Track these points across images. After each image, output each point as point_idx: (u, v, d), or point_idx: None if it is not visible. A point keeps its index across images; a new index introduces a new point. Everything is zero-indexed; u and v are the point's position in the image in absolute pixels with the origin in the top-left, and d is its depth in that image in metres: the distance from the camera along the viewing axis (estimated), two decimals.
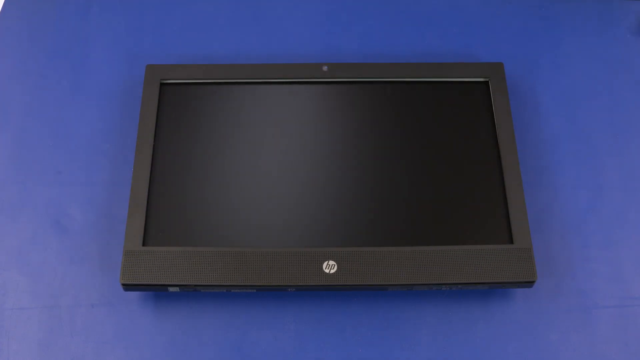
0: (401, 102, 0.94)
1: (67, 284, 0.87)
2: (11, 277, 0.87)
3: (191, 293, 0.85)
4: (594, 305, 0.86)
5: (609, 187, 0.94)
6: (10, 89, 1.00)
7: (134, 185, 0.87)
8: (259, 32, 1.05)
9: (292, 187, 0.88)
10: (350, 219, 0.81)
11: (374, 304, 0.86)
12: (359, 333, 0.84)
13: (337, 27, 1.06)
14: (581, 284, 0.87)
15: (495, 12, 1.07)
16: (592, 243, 0.90)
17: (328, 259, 0.82)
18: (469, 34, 1.05)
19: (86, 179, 0.93)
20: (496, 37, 1.05)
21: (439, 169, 0.89)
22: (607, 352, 0.84)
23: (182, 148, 0.90)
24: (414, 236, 0.84)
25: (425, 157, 0.90)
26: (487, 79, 0.95)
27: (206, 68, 0.96)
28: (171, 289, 0.83)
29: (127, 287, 0.83)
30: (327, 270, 0.82)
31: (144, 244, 0.84)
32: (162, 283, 0.82)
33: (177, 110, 0.93)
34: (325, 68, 0.96)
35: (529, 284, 0.83)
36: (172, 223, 0.86)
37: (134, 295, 0.86)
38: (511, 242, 0.84)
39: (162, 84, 0.94)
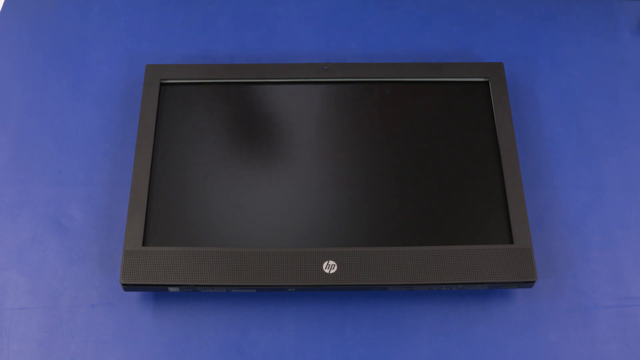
0: (401, 102, 0.94)
1: (67, 284, 0.87)
2: (11, 277, 0.87)
3: (191, 293, 0.85)
4: (594, 305, 0.86)
5: (609, 187, 0.94)
6: (10, 89, 1.00)
7: (134, 185, 0.87)
8: (259, 32, 1.05)
9: (292, 187, 0.88)
10: (350, 218, 0.81)
11: (374, 304, 0.86)
12: (359, 333, 0.84)
13: (337, 27, 1.06)
14: (581, 284, 0.87)
15: (495, 12, 1.07)
16: (592, 243, 0.90)
17: (328, 259, 0.82)
18: (469, 34, 1.05)
19: (86, 179, 0.93)
20: (496, 37, 1.05)
21: (439, 169, 0.89)
22: (607, 352, 0.84)
23: (182, 148, 0.90)
24: (414, 236, 0.84)
25: (425, 156, 0.90)
26: (487, 79, 0.95)
27: (206, 68, 0.96)
28: (171, 289, 0.83)
29: (127, 287, 0.83)
30: (327, 270, 0.82)
31: (144, 244, 0.84)
32: (162, 283, 0.82)
33: (177, 110, 0.93)
34: (326, 68, 0.96)
35: (529, 284, 0.83)
36: (172, 223, 0.86)
37: (134, 295, 0.86)
38: (511, 242, 0.84)
39: (162, 84, 0.94)
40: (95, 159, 0.95)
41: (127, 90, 0.99)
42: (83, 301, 0.86)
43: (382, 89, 0.95)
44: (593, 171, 0.95)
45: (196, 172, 0.88)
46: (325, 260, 0.82)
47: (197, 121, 0.92)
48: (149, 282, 0.82)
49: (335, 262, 0.82)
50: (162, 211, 0.86)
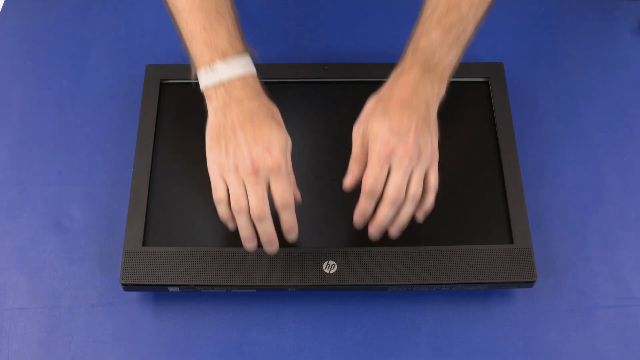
0: None
1: (67, 284, 0.87)
2: (11, 277, 0.87)
3: (191, 293, 0.85)
4: (594, 305, 0.86)
5: (609, 187, 0.94)
6: (10, 89, 1.00)
7: (134, 185, 0.87)
8: (259, 31, 1.05)
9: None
10: (350, 219, 0.81)
11: (374, 304, 0.86)
12: (359, 333, 0.84)
13: (337, 27, 1.06)
14: (581, 284, 0.87)
15: (495, 12, 1.07)
16: (592, 243, 0.90)
17: (328, 259, 0.82)
18: None
19: (86, 179, 0.93)
20: (496, 37, 1.05)
21: (439, 169, 0.89)
22: (607, 352, 0.84)
23: (182, 148, 0.90)
24: (414, 236, 0.84)
25: None
26: (487, 79, 0.95)
27: None
28: (171, 289, 0.83)
29: (127, 287, 0.83)
30: (327, 270, 0.82)
31: (144, 244, 0.84)
32: (162, 283, 0.82)
33: (177, 110, 0.93)
34: (326, 68, 0.96)
35: (529, 284, 0.83)
36: (172, 223, 0.86)
37: (133, 295, 0.86)
38: (511, 242, 0.84)
39: (162, 84, 0.94)
40: (95, 159, 0.95)
41: (127, 90, 0.99)
42: (83, 301, 0.86)
43: None
44: (593, 171, 0.95)
45: (196, 172, 0.88)
46: (325, 260, 0.82)
47: (197, 121, 0.92)
48: (149, 282, 0.82)
49: (335, 262, 0.82)
50: (162, 211, 0.86)
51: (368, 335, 0.84)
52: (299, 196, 0.78)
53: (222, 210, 0.77)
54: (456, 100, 0.94)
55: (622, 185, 0.94)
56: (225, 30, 0.75)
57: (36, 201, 0.92)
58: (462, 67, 0.96)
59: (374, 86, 0.95)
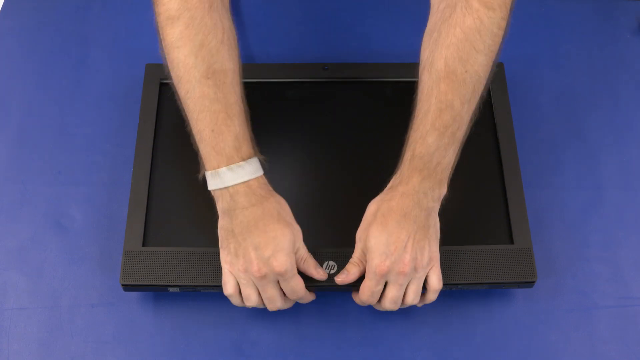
0: (401, 102, 0.94)
1: (67, 284, 0.87)
2: (11, 277, 0.87)
3: (191, 293, 0.85)
4: (594, 305, 0.86)
5: (609, 187, 0.94)
6: (10, 88, 1.00)
7: (133, 185, 0.87)
8: (259, 31, 1.05)
9: (292, 187, 0.88)
10: (350, 219, 0.81)
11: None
12: (359, 333, 0.84)
13: (337, 27, 1.06)
14: (581, 284, 0.87)
15: None
16: (592, 243, 0.90)
17: (328, 260, 0.82)
18: None
19: (86, 179, 0.93)
20: None
21: None
22: (607, 352, 0.84)
23: (182, 148, 0.90)
24: None
25: None
26: None
27: None
28: (171, 289, 0.83)
29: (127, 287, 0.82)
30: (327, 271, 0.82)
31: (144, 245, 0.84)
32: (162, 284, 0.82)
33: (177, 110, 0.93)
34: (326, 68, 0.96)
35: (529, 284, 0.83)
36: (172, 223, 0.86)
37: (133, 295, 0.86)
38: (511, 242, 0.84)
39: (162, 84, 0.94)
40: (95, 159, 0.94)
41: (127, 90, 0.99)
42: (83, 301, 0.86)
43: (382, 89, 0.95)
44: (593, 171, 0.95)
45: (196, 173, 0.88)
46: (325, 261, 0.82)
47: None
48: (149, 283, 0.82)
49: (335, 262, 0.82)
50: (162, 211, 0.86)
51: (368, 335, 0.84)
52: (323, 275, 0.80)
53: (234, 302, 0.80)
54: None
55: (622, 185, 0.94)
56: (232, 135, 0.75)
57: (36, 201, 0.92)
58: None
59: (374, 86, 0.95)
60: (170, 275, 0.82)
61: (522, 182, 0.88)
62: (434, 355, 0.83)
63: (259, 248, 0.75)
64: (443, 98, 0.75)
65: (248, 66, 0.96)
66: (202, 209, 0.86)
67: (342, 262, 0.82)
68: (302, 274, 0.79)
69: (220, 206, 0.78)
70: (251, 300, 0.78)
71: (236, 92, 0.77)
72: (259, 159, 0.78)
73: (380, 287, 0.77)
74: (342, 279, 0.79)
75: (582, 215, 0.92)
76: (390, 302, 0.78)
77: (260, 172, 0.77)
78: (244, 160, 0.75)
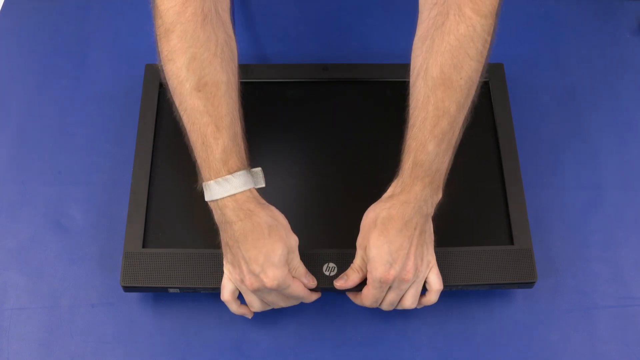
0: (401, 102, 0.94)
1: (67, 284, 0.87)
2: (11, 277, 0.87)
3: (191, 294, 0.85)
4: (594, 305, 0.86)
5: (609, 187, 0.94)
6: (10, 89, 1.00)
7: (133, 185, 0.87)
8: (259, 32, 1.05)
9: (292, 189, 0.88)
10: (351, 220, 0.81)
11: None
12: (359, 333, 0.84)
13: (337, 27, 1.06)
14: (581, 284, 0.87)
15: None
16: (592, 243, 0.90)
17: (328, 262, 0.82)
18: None
19: (86, 179, 0.93)
20: (496, 37, 1.05)
21: None
22: (607, 352, 0.84)
23: (182, 148, 0.90)
24: None
25: None
26: (487, 79, 0.95)
27: None
28: (171, 290, 0.83)
29: (127, 289, 0.82)
30: (327, 273, 0.82)
31: (144, 246, 0.83)
32: (162, 285, 0.82)
33: None
34: (325, 68, 0.96)
35: (530, 284, 0.83)
36: (172, 225, 0.85)
37: (134, 295, 0.86)
38: (511, 242, 0.84)
39: (161, 84, 0.94)
40: (95, 159, 0.94)
41: (127, 90, 0.99)
42: (83, 301, 0.86)
43: (382, 89, 0.95)
44: (593, 171, 0.95)
45: (196, 173, 0.88)
46: (325, 263, 0.82)
47: None
48: (149, 285, 0.82)
49: (336, 264, 0.82)
50: (162, 212, 0.86)
51: (368, 335, 0.84)
52: (313, 283, 0.80)
53: (231, 309, 0.81)
54: None
55: (622, 185, 0.94)
56: (220, 148, 0.75)
57: (36, 201, 0.92)
58: None
59: (374, 86, 0.95)
60: (171, 277, 0.82)
61: (522, 183, 0.88)
62: (434, 355, 0.83)
63: (249, 263, 0.75)
64: (440, 105, 0.76)
65: (248, 66, 0.96)
66: (202, 210, 0.86)
67: (342, 263, 0.81)
68: None
69: (214, 217, 0.78)
70: (254, 306, 0.79)
71: (228, 104, 0.76)
72: (253, 171, 0.77)
73: (384, 294, 0.78)
74: (341, 284, 0.79)
75: (582, 215, 0.92)
76: (388, 305, 0.79)
77: (250, 186, 0.76)
78: (230, 173, 0.75)
